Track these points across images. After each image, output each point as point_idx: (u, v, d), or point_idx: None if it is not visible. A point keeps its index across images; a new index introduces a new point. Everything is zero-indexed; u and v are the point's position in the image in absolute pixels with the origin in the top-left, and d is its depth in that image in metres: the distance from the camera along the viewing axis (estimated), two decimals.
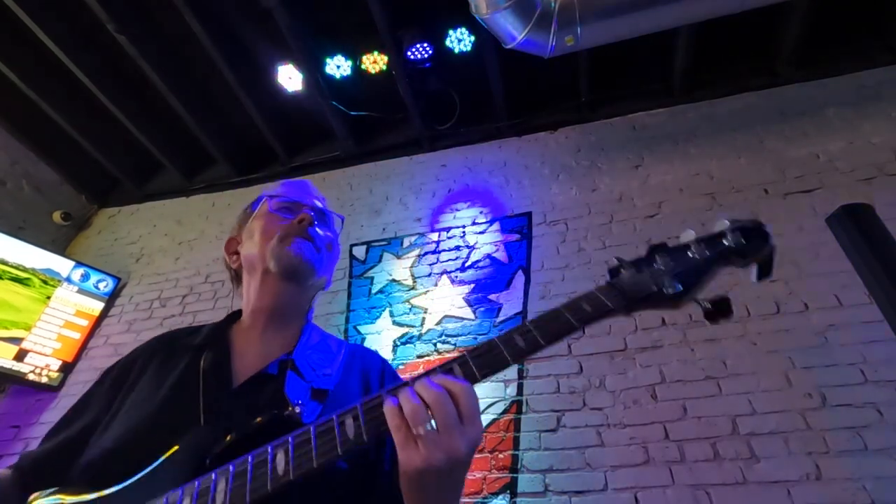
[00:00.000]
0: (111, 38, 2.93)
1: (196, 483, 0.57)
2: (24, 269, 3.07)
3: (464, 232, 2.99)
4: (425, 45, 2.98)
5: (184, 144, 3.77)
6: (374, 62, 3.09)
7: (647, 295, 0.63)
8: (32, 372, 2.90)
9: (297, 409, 0.67)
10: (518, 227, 2.90)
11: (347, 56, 3.09)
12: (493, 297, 2.64)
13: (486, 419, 2.18)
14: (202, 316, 3.08)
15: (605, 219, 2.75)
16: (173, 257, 3.53)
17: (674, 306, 0.64)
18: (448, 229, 3.04)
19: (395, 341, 2.60)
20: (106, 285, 3.37)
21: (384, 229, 3.19)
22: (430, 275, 2.85)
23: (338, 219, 1.00)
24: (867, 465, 1.71)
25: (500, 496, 1.96)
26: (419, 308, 2.71)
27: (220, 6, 2.91)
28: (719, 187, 2.67)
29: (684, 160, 2.87)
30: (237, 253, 0.93)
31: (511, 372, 2.28)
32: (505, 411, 2.19)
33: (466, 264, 2.82)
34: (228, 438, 0.62)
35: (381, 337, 2.64)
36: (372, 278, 2.95)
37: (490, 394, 2.25)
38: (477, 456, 1.69)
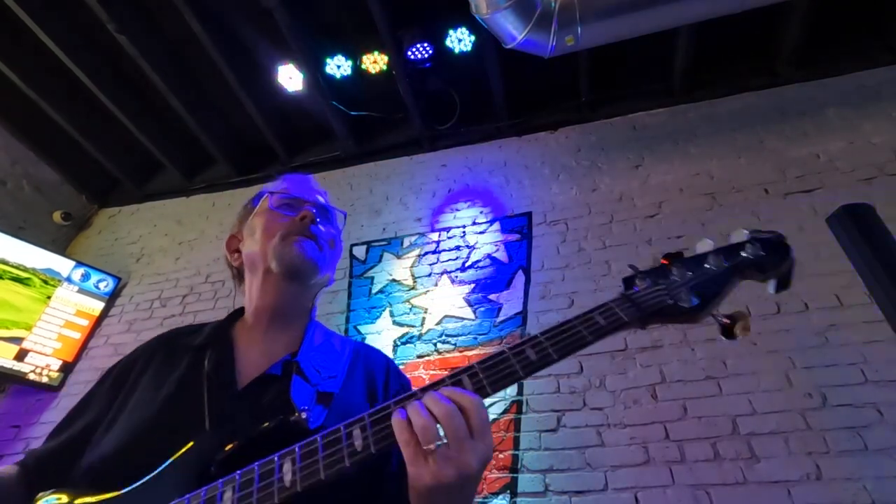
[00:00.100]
0: (111, 38, 2.93)
1: (202, 492, 0.56)
2: (25, 269, 3.07)
3: (464, 232, 2.99)
4: (425, 45, 2.98)
5: (184, 144, 3.77)
6: (375, 62, 3.09)
7: (662, 308, 0.61)
8: (33, 372, 2.90)
9: (304, 416, 0.66)
10: (518, 227, 2.90)
11: (348, 56, 3.09)
12: (493, 297, 2.64)
13: None
14: (202, 316, 3.08)
15: (605, 219, 2.75)
16: (173, 257, 3.53)
17: (691, 320, 0.62)
18: (448, 229, 3.04)
19: (395, 341, 2.60)
20: (106, 285, 3.37)
21: (384, 229, 3.19)
22: (430, 275, 2.85)
23: (340, 214, 0.98)
24: (867, 465, 1.71)
25: (501, 496, 1.96)
26: (419, 308, 2.71)
27: (220, 6, 2.91)
28: (719, 187, 2.67)
29: (684, 160, 2.86)
30: (238, 251, 0.91)
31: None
32: (505, 411, 2.19)
33: (466, 264, 2.82)
34: (234, 444, 0.62)
35: (381, 337, 2.64)
36: (372, 278, 2.95)
37: None
38: None
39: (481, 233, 2.95)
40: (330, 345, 0.85)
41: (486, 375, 0.58)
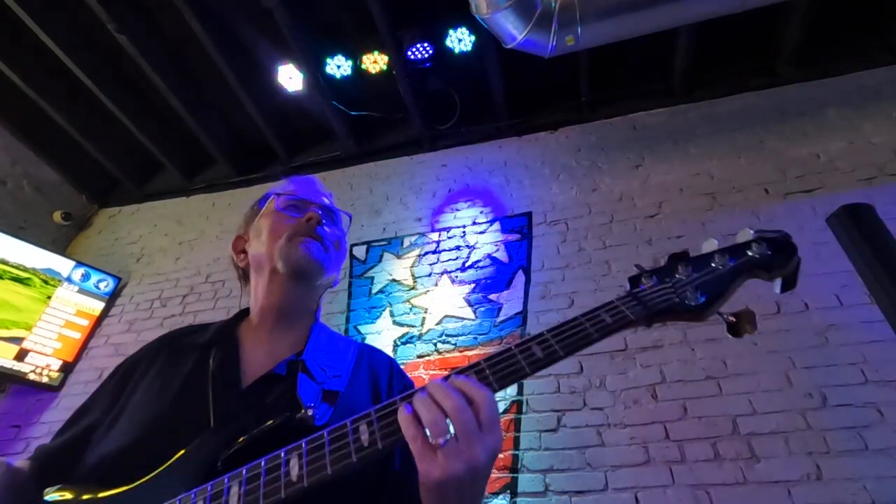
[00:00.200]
0: (111, 38, 2.93)
1: (208, 487, 0.56)
2: (25, 269, 3.07)
3: (464, 232, 2.99)
4: (425, 44, 2.98)
5: (184, 144, 3.77)
6: (375, 62, 3.09)
7: (668, 306, 0.61)
8: (33, 372, 2.90)
9: (310, 412, 0.66)
10: (518, 227, 2.90)
11: (348, 56, 3.09)
12: (493, 296, 2.63)
13: None
14: (203, 316, 3.08)
15: (605, 219, 2.75)
16: (174, 257, 3.53)
17: (696, 318, 0.61)
18: (448, 229, 3.04)
19: (395, 341, 2.60)
20: (106, 285, 3.37)
21: (384, 229, 3.19)
22: (430, 275, 2.85)
23: (345, 216, 0.98)
24: (868, 465, 1.71)
25: (501, 496, 1.96)
26: (419, 308, 2.71)
27: (220, 6, 2.91)
28: (720, 187, 2.67)
29: (685, 160, 2.87)
30: (244, 251, 0.92)
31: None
32: (505, 411, 2.19)
33: (467, 264, 2.82)
34: (240, 441, 0.62)
35: (381, 337, 2.64)
36: (372, 278, 2.95)
37: None
38: None
39: (481, 233, 2.95)
40: (335, 345, 0.85)
41: (493, 372, 0.57)
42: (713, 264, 0.63)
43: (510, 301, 2.59)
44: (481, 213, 3.06)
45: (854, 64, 2.90)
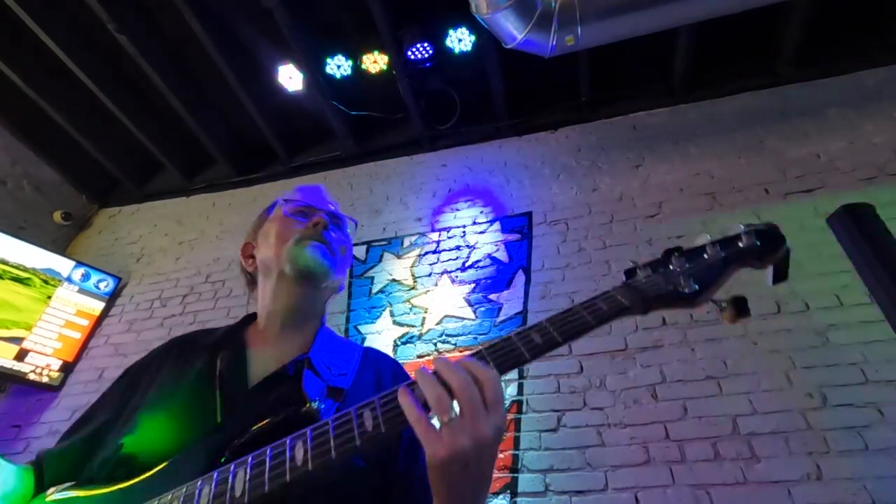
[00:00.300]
0: (111, 37, 2.93)
1: (214, 475, 0.57)
2: (25, 269, 3.07)
3: (464, 232, 2.99)
4: (426, 44, 2.98)
5: (184, 144, 3.77)
6: (375, 62, 3.08)
7: (663, 294, 0.63)
8: (33, 371, 2.90)
9: (315, 406, 0.67)
10: (518, 227, 2.90)
11: (348, 56, 3.09)
12: (493, 296, 2.63)
13: None
14: (203, 316, 3.08)
15: (605, 219, 2.75)
16: (174, 257, 3.53)
17: (690, 305, 0.64)
18: (448, 229, 3.04)
19: (395, 341, 2.60)
20: (106, 285, 3.37)
21: (384, 229, 3.19)
22: (430, 274, 2.85)
23: (351, 223, 1.01)
24: (868, 464, 1.71)
25: (501, 496, 1.96)
26: (419, 308, 2.71)
27: (220, 6, 2.91)
28: (720, 187, 2.67)
29: (685, 160, 2.86)
30: (252, 256, 0.94)
31: (511, 371, 2.28)
32: (505, 411, 2.19)
33: (467, 264, 2.82)
34: (246, 435, 0.63)
35: (381, 337, 2.64)
36: (372, 278, 2.95)
37: None
38: None
39: (481, 233, 2.95)
40: (340, 347, 0.87)
41: (494, 358, 0.58)
42: (705, 255, 0.66)
43: (510, 301, 2.58)
44: (481, 212, 3.06)
45: (854, 64, 2.89)
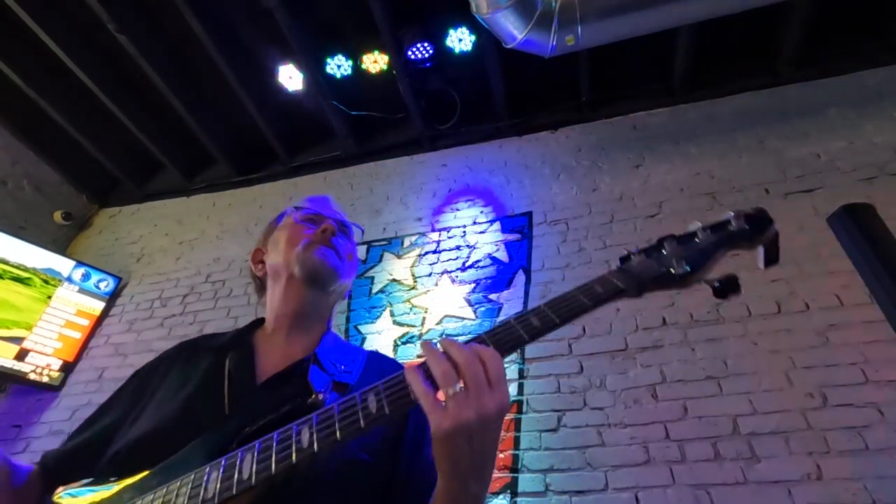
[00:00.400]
0: (112, 37, 2.93)
1: (222, 460, 0.58)
2: (25, 269, 3.07)
3: (464, 232, 2.99)
4: (426, 44, 2.98)
5: (184, 144, 3.77)
6: (375, 62, 3.08)
7: (656, 276, 0.66)
8: (33, 371, 2.90)
9: (321, 397, 0.69)
10: (519, 227, 2.90)
11: (348, 56, 3.09)
12: (493, 296, 2.63)
13: None
14: (203, 315, 3.08)
15: (605, 218, 2.75)
16: (174, 257, 3.53)
17: (682, 285, 0.66)
18: (448, 229, 3.04)
19: (395, 341, 2.60)
20: (107, 285, 3.37)
21: (385, 229, 3.19)
22: (430, 274, 2.85)
23: (357, 230, 1.04)
24: (868, 464, 1.71)
25: (501, 496, 1.96)
26: (420, 308, 2.71)
27: (220, 6, 2.91)
28: (720, 187, 2.67)
29: (685, 160, 2.86)
30: (262, 262, 0.97)
31: (511, 372, 2.28)
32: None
33: (467, 264, 2.82)
34: (253, 425, 0.64)
35: (381, 336, 2.64)
36: (372, 278, 2.95)
37: None
38: None
39: (482, 232, 2.95)
40: (346, 349, 0.90)
41: (494, 341, 0.60)
42: (696, 240, 0.69)
43: (510, 301, 2.58)
44: (481, 212, 3.06)
45: (854, 64, 2.89)
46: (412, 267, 2.93)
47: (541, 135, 3.36)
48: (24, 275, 3.05)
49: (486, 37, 2.82)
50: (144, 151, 3.77)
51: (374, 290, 2.88)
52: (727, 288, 0.65)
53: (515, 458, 2.05)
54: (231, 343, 0.85)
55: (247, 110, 3.38)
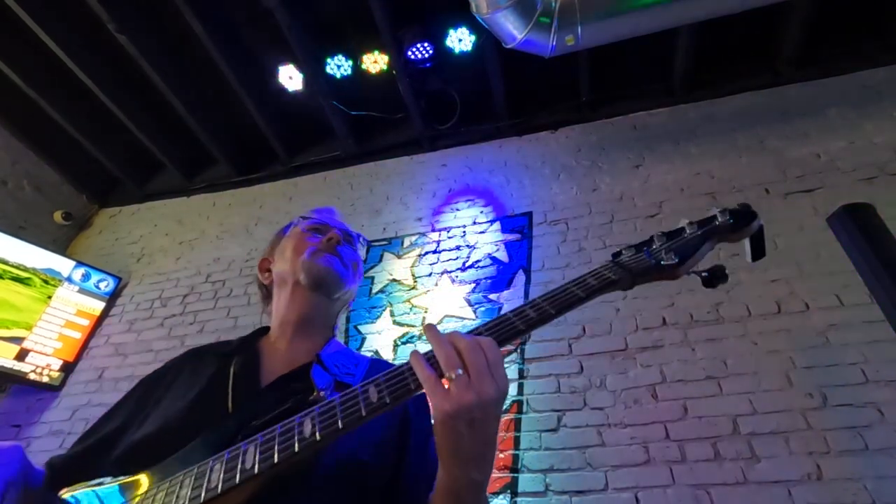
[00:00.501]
0: (112, 37, 2.93)
1: (225, 453, 0.59)
2: (25, 269, 3.07)
3: (464, 232, 2.99)
4: (426, 44, 2.98)
5: (184, 144, 3.77)
6: (375, 62, 3.08)
7: (647, 267, 0.68)
8: (33, 371, 2.90)
9: (323, 394, 0.70)
10: (519, 227, 2.90)
11: (348, 56, 3.09)
12: (493, 296, 2.64)
13: None
14: (203, 315, 3.08)
15: (605, 218, 2.75)
16: (174, 257, 3.53)
17: (672, 276, 0.69)
18: (448, 229, 3.04)
19: (395, 341, 2.60)
20: (107, 285, 3.37)
21: (384, 229, 3.19)
22: (430, 274, 2.85)
23: (363, 240, 1.07)
24: (868, 465, 1.71)
25: (501, 496, 1.97)
26: (420, 308, 2.71)
27: (220, 6, 2.91)
28: (720, 187, 2.67)
29: (685, 160, 2.86)
30: (269, 270, 1.00)
31: (511, 372, 2.28)
32: (505, 411, 2.19)
33: (467, 264, 2.83)
34: (256, 422, 0.65)
35: (381, 336, 2.64)
36: (372, 278, 2.95)
37: None
38: None
39: (482, 232, 2.95)
40: (349, 354, 0.91)
41: (491, 333, 0.62)
42: (685, 234, 0.72)
43: (511, 301, 2.59)
44: (481, 212, 3.06)
45: (854, 64, 2.89)
46: (412, 267, 2.93)
47: (541, 135, 3.36)
48: (24, 275, 3.05)
49: (486, 37, 2.82)
50: (144, 151, 3.77)
51: (374, 290, 2.88)
52: (715, 277, 0.68)
53: (515, 458, 2.05)
54: (236, 349, 0.87)
55: (247, 110, 3.38)
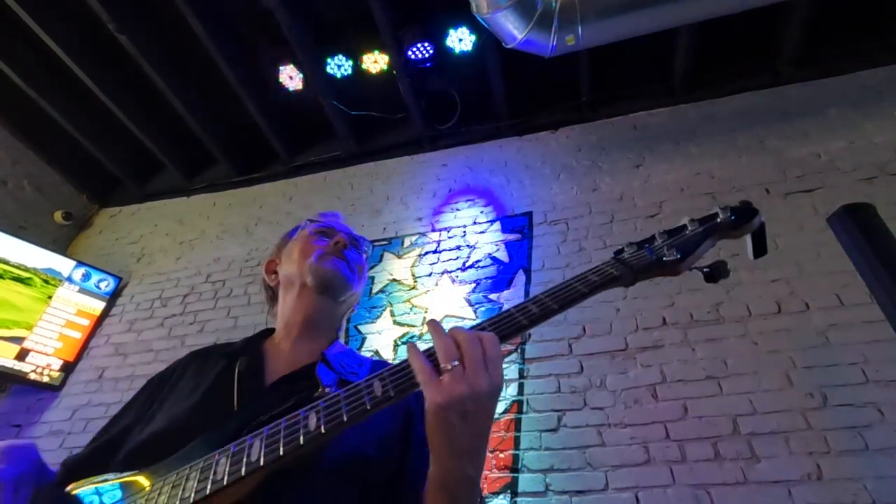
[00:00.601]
0: (112, 37, 2.93)
1: (231, 447, 0.59)
2: (26, 269, 3.07)
3: (464, 231, 2.99)
4: (426, 44, 2.98)
5: (184, 144, 3.77)
6: (375, 62, 3.09)
7: (649, 263, 0.69)
8: (34, 371, 2.90)
9: (328, 390, 0.70)
10: (519, 227, 2.90)
11: (348, 56, 3.09)
12: (493, 296, 2.64)
13: None
14: (203, 315, 3.08)
15: (605, 218, 2.75)
16: (174, 257, 3.53)
17: (673, 272, 0.69)
18: (449, 229, 3.04)
19: (395, 341, 2.60)
20: (107, 285, 3.37)
21: (385, 229, 3.19)
22: (430, 274, 2.85)
23: (367, 244, 1.08)
24: (868, 464, 1.71)
25: (501, 496, 1.96)
26: (420, 308, 2.71)
27: (220, 6, 2.91)
28: (720, 187, 2.67)
29: (685, 160, 2.86)
30: (275, 272, 1.01)
31: (512, 372, 2.28)
32: (506, 411, 2.19)
33: (467, 264, 2.83)
34: (261, 418, 0.65)
35: (381, 336, 2.64)
36: (373, 278, 2.95)
37: None
38: None
39: (482, 232, 2.95)
40: (353, 355, 0.92)
41: (494, 328, 0.63)
42: (686, 231, 0.72)
43: (511, 301, 2.58)
44: (482, 212, 3.06)
45: (854, 64, 2.89)
46: (412, 267, 2.93)
47: (541, 135, 3.36)
48: (25, 275, 3.05)
49: (487, 37, 2.82)
50: (144, 151, 3.77)
51: (374, 290, 2.88)
52: (717, 272, 0.68)
53: (515, 457, 2.05)
54: (241, 349, 0.88)
55: (247, 110, 3.38)
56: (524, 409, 2.18)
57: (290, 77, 3.11)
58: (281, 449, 0.55)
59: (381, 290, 2.87)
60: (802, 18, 2.74)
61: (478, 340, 0.58)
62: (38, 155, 3.69)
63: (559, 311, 0.64)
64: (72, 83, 3.26)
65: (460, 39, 2.96)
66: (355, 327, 2.73)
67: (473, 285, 2.71)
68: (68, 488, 0.66)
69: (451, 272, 2.82)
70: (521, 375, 2.28)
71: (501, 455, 2.07)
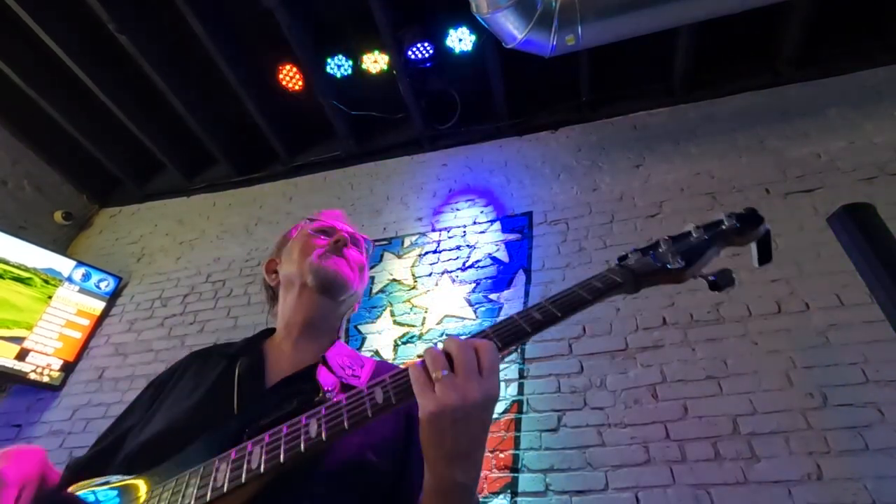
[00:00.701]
0: (112, 37, 2.93)
1: (231, 452, 0.59)
2: (26, 269, 3.07)
3: (464, 231, 2.99)
4: (426, 44, 2.98)
5: (184, 144, 3.77)
6: (375, 62, 3.09)
7: (653, 270, 0.68)
8: (34, 371, 2.90)
9: (329, 395, 0.70)
10: (519, 227, 2.90)
11: (348, 56, 3.09)
12: (493, 296, 2.64)
13: None
14: (203, 315, 3.08)
15: (605, 218, 2.75)
16: (174, 257, 3.53)
17: (678, 280, 0.69)
18: (449, 229, 3.04)
19: (395, 341, 2.60)
20: (107, 285, 3.37)
21: (385, 229, 3.19)
22: (430, 274, 2.85)
23: (369, 244, 1.08)
24: (868, 464, 1.71)
25: (501, 495, 1.97)
26: (420, 308, 2.71)
27: (220, 6, 2.91)
28: (720, 187, 2.67)
29: (685, 160, 2.86)
30: (276, 272, 1.00)
31: (512, 372, 2.28)
32: (506, 411, 2.19)
33: (467, 264, 2.83)
34: (261, 422, 0.65)
35: (381, 336, 2.64)
36: (373, 278, 2.95)
37: None
38: None
39: (482, 232, 2.95)
40: (355, 357, 0.91)
41: (497, 335, 0.61)
42: (691, 238, 0.72)
43: (511, 301, 2.59)
44: (482, 212, 3.06)
45: (855, 64, 2.89)
46: (412, 267, 2.93)
47: (541, 135, 3.36)
48: (25, 275, 3.05)
49: (487, 37, 2.82)
50: (144, 151, 3.77)
51: (374, 290, 2.88)
52: (722, 281, 0.67)
53: (515, 457, 2.05)
54: (242, 350, 0.87)
55: (247, 110, 3.38)
56: (524, 408, 2.18)
57: (290, 77, 3.11)
58: (282, 456, 0.55)
59: (382, 290, 2.87)
60: (802, 18, 2.74)
61: (471, 349, 0.57)
62: (38, 155, 3.69)
63: (562, 318, 0.63)
64: (72, 83, 3.26)
65: (460, 39, 2.96)
66: (355, 327, 2.73)
67: (473, 285, 2.71)
68: (69, 490, 0.66)
69: (451, 272, 2.82)
70: (521, 375, 2.28)
71: (501, 455, 2.07)
